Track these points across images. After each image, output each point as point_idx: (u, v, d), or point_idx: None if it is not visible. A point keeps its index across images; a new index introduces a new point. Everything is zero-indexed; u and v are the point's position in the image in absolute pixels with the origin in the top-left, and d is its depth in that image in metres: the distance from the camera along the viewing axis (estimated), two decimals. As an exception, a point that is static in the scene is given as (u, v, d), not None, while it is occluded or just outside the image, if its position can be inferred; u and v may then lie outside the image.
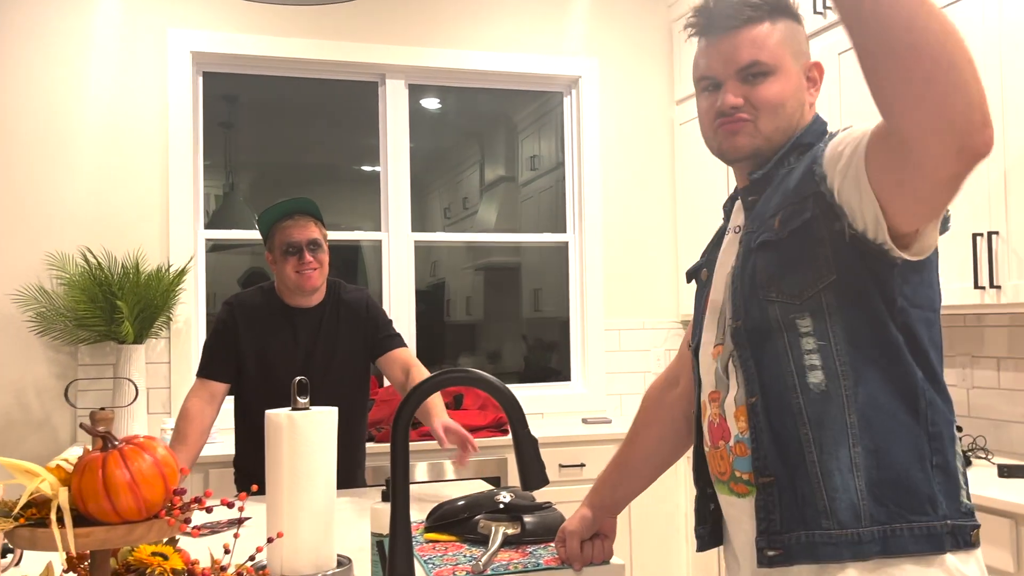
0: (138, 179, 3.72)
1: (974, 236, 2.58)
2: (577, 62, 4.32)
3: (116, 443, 1.09)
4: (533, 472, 1.22)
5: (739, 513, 1.30)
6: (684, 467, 3.74)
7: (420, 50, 4.10)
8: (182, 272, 3.61)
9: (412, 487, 2.41)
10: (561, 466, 3.57)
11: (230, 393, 2.54)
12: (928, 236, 1.17)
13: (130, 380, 3.00)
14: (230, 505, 1.15)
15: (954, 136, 0.94)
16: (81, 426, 1.06)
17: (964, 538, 1.17)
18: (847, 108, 3.13)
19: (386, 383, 3.78)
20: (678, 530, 3.75)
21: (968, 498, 1.21)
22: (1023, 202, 2.46)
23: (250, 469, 2.52)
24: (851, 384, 1.18)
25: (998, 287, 2.51)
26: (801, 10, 1.41)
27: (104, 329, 3.42)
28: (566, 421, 4.05)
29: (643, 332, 4.35)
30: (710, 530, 1.41)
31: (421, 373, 2.52)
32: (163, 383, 3.67)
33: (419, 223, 4.20)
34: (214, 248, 3.93)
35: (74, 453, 1.06)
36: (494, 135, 4.48)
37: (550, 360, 4.41)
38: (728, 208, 1.46)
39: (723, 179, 3.94)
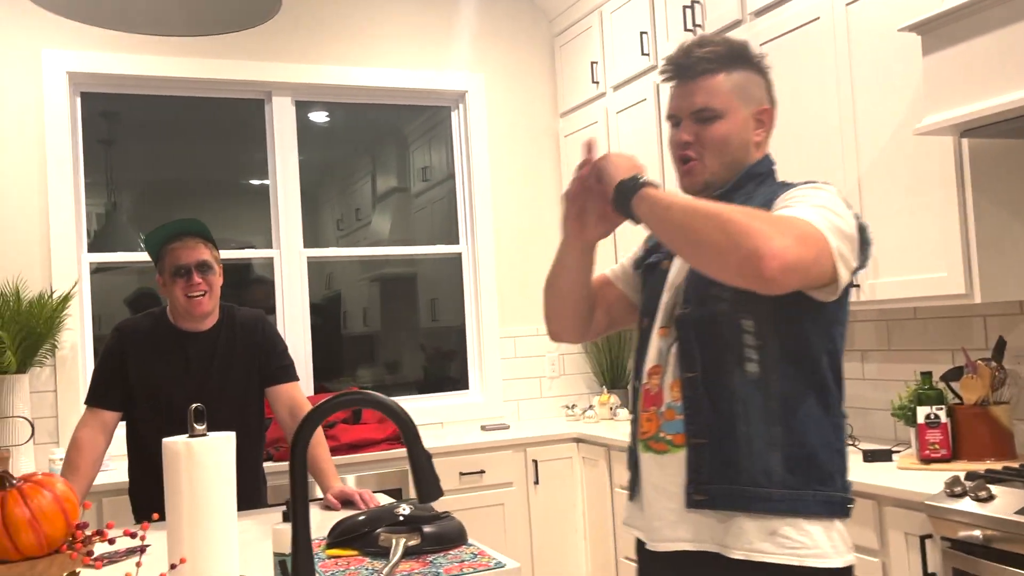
0: (15, 204, 3.61)
1: (835, 239, 2.77)
2: (463, 77, 4.40)
3: (14, 482, 1.10)
4: (428, 485, 1.29)
5: (654, 467, 1.55)
6: (580, 468, 3.86)
7: (306, 67, 4.11)
8: (66, 298, 3.52)
9: (313, 504, 2.45)
10: (462, 474, 3.65)
11: (121, 419, 2.50)
12: (829, 289, 1.44)
13: (24, 417, 2.92)
14: (133, 535, 1.18)
15: (744, 279, 1.34)
16: (-23, 467, 1.08)
17: (846, 508, 1.48)
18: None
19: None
20: (576, 529, 3.87)
21: (847, 475, 1.52)
22: (875, 207, 2.66)
23: (145, 497, 2.50)
24: (777, 379, 1.46)
25: (857, 286, 2.71)
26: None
27: (-16, 360, 3.31)
28: (465, 429, 4.12)
29: (537, 339, 4.46)
30: (631, 481, 1.66)
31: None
32: (50, 412, 3.56)
33: (312, 235, 4.20)
34: (99, 270, 3.84)
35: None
36: (385, 147, 4.52)
37: (449, 369, 4.47)
38: None
39: (607, 188, 4.08)
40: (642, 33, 3.76)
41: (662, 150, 3.69)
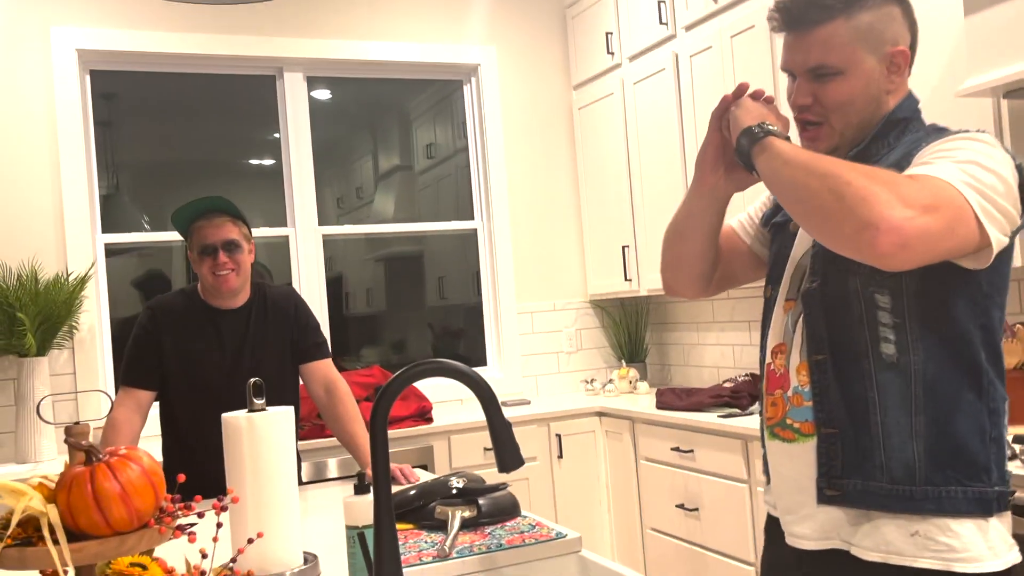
0: (29, 185, 3.55)
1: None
2: (475, 50, 4.35)
3: (100, 456, 1.07)
4: (509, 454, 1.27)
5: (782, 457, 1.41)
6: (603, 442, 3.85)
7: (318, 42, 4.05)
8: (83, 279, 3.47)
9: (346, 480, 2.43)
10: (485, 449, 3.63)
11: (156, 399, 2.48)
12: (979, 256, 1.24)
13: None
14: (223, 509, 1.16)
15: (860, 253, 1.19)
16: (66, 441, 1.05)
17: (1005, 502, 1.30)
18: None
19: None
20: (600, 501, 3.87)
21: (1009, 465, 1.33)
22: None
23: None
24: (920, 360, 1.28)
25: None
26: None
27: (3, 343, 3.27)
28: (485, 405, 4.09)
29: (554, 314, 4.44)
30: (763, 467, 1.52)
31: (344, 391, 2.52)
32: (70, 395, 3.53)
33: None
34: (109, 252, 3.79)
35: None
36: (386, 125, 4.46)
37: (458, 347, 4.45)
38: None
39: (623, 161, 4.05)
40: (660, 2, 3.71)
41: (681, 122, 3.66)
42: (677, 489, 3.40)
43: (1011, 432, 2.36)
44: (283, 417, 1.57)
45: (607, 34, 4.12)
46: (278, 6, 3.99)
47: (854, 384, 1.32)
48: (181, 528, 1.12)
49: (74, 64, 3.64)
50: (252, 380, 1.58)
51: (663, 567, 3.54)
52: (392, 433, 3.51)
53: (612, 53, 4.10)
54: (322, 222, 4.15)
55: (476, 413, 3.84)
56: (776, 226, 1.54)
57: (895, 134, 1.38)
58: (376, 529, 1.23)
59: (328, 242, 4.18)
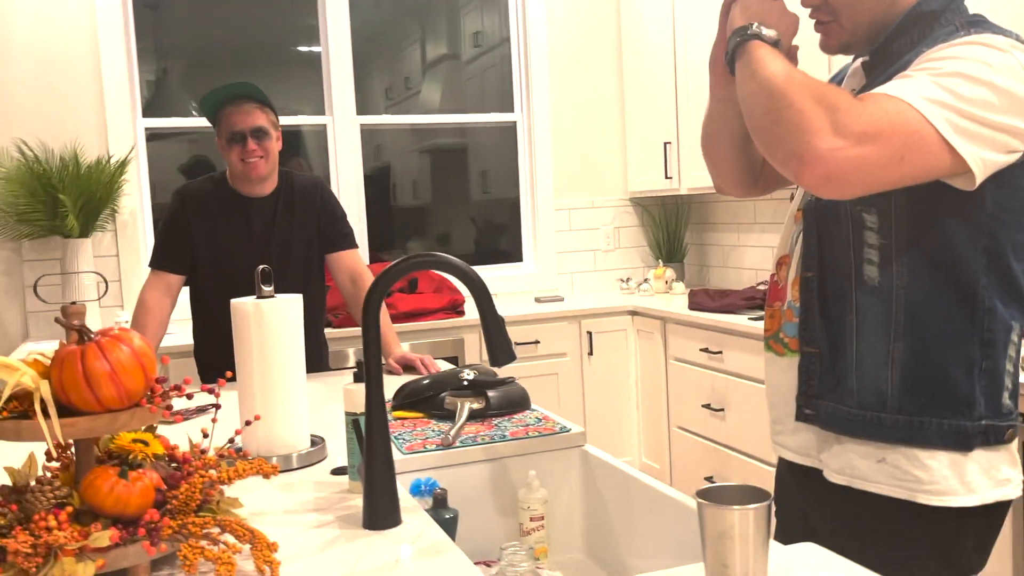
0: (70, 68, 3.57)
1: None
2: (520, -66, 4.19)
3: (92, 336, 1.10)
4: (501, 348, 1.27)
5: (774, 369, 1.41)
6: (635, 340, 3.86)
7: (357, -77, 3.93)
8: (124, 163, 3.52)
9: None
10: (516, 343, 3.66)
11: (185, 284, 2.53)
12: (966, 178, 1.15)
13: (96, 273, 2.98)
14: (211, 391, 1.18)
15: (789, 176, 1.17)
16: (57, 320, 1.07)
17: (997, 436, 1.22)
18: None
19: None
20: (629, 398, 3.90)
21: (1012, 398, 1.24)
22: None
23: (211, 359, 2.55)
24: (904, 284, 1.22)
25: None
26: None
27: (48, 224, 3.35)
28: (519, 301, 4.13)
29: (592, 211, 4.39)
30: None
31: (369, 280, 2.54)
32: (113, 276, 3.63)
33: (360, 105, 4.12)
34: (152, 137, 3.82)
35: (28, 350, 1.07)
36: (434, 11, 4.36)
37: (500, 242, 4.45)
38: (841, 71, 1.44)
39: (669, 53, 3.92)
40: None
41: None
42: (704, 389, 3.41)
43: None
44: (291, 304, 1.59)
45: (658, -82, 3.92)
46: None
47: (835, 305, 1.29)
48: (176, 413, 1.15)
49: (111, -57, 3.59)
50: (260, 267, 1.60)
51: (689, 464, 3.58)
52: (424, 324, 3.55)
53: (662, -61, 3.91)
54: (370, 111, 4.12)
55: (509, 308, 3.86)
56: None
57: (920, 30, 1.26)
58: (367, 416, 1.25)
59: (376, 132, 4.17)
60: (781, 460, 1.46)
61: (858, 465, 1.27)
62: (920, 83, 1.13)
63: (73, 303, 1.14)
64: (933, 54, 1.17)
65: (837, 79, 1.45)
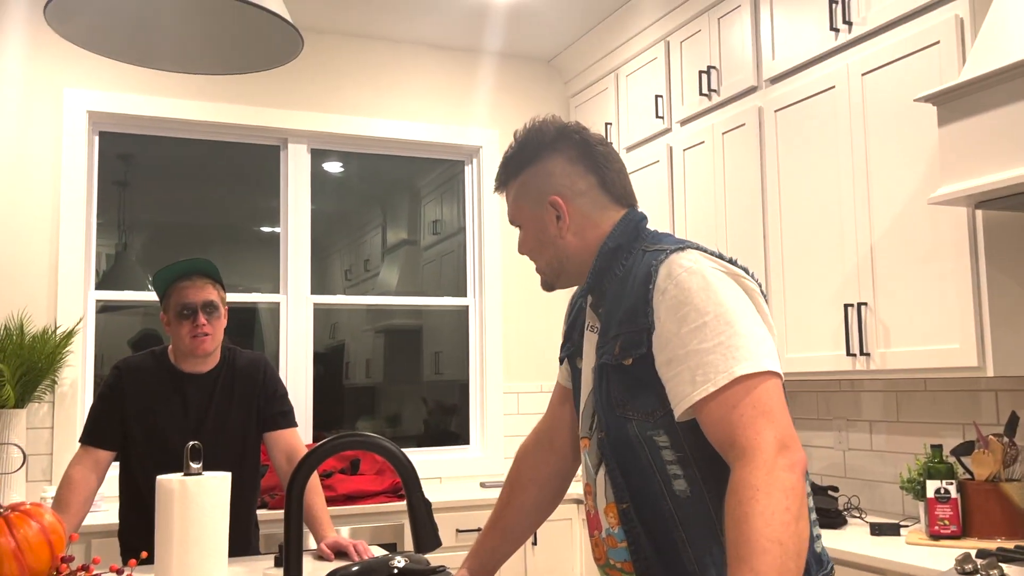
0: (27, 239, 3.62)
1: (845, 307, 2.76)
2: (477, 133, 4.44)
3: (1, 510, 1.07)
4: (426, 534, 1.25)
5: None
6: (580, 531, 3.78)
7: (323, 116, 4.16)
8: (69, 334, 3.50)
9: (306, 553, 2.39)
10: (458, 531, 3.57)
11: (116, 459, 2.46)
12: None
13: (16, 445, 2.88)
14: (119, 572, 1.14)
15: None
16: (-35, 493, 1.05)
17: None
18: (729, 186, 3.33)
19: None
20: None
21: (817, 545, 1.34)
22: (887, 276, 2.65)
23: (135, 539, 2.44)
24: (711, 486, 1.28)
25: (867, 354, 2.68)
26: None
27: (-17, 392, 3.28)
28: (464, 485, 4.05)
29: (541, 395, 4.42)
30: None
31: None
32: (45, 449, 3.52)
33: (320, 284, 4.20)
34: (104, 309, 3.83)
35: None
36: (397, 199, 4.54)
37: (450, 424, 4.42)
38: (575, 302, 1.56)
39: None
40: (657, 96, 3.80)
41: (672, 212, 3.70)
42: (649, 584, 3.32)
43: (974, 546, 2.31)
44: (218, 483, 1.56)
45: (606, 124, 4.20)
46: (285, 79, 4.11)
47: (659, 527, 1.31)
48: (81, 590, 1.10)
49: (84, 124, 3.74)
50: (190, 443, 1.58)
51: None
52: (364, 508, 3.46)
53: (610, 143, 4.17)
54: (328, 291, 4.19)
55: (453, 492, 3.79)
56: (568, 359, 1.57)
57: (618, 264, 1.40)
58: (284, 604, 1.21)
59: (333, 311, 4.22)
60: None
61: None
62: (727, 363, 1.20)
63: (-13, 475, 1.12)
64: (677, 332, 1.24)
65: (571, 312, 1.58)
